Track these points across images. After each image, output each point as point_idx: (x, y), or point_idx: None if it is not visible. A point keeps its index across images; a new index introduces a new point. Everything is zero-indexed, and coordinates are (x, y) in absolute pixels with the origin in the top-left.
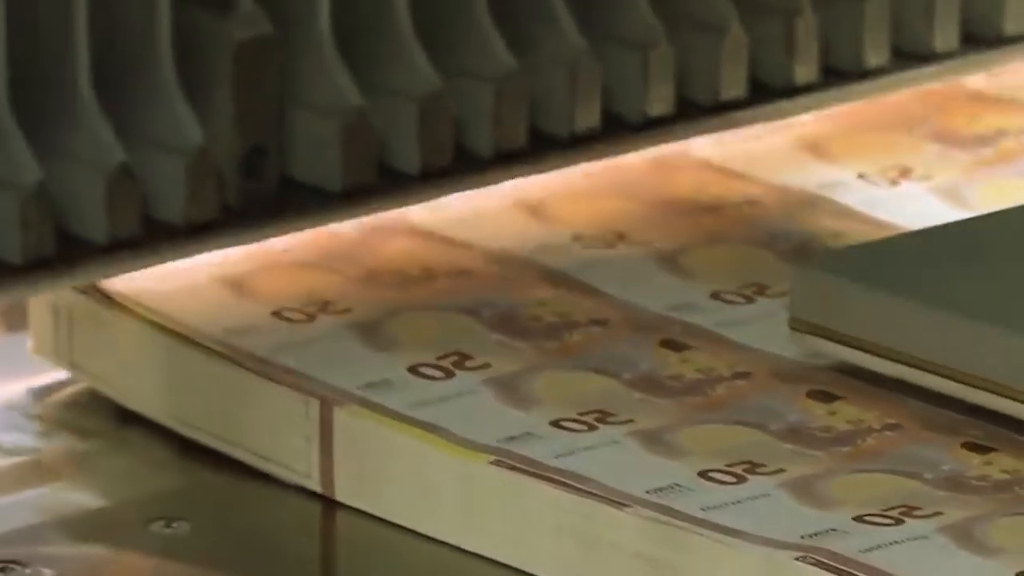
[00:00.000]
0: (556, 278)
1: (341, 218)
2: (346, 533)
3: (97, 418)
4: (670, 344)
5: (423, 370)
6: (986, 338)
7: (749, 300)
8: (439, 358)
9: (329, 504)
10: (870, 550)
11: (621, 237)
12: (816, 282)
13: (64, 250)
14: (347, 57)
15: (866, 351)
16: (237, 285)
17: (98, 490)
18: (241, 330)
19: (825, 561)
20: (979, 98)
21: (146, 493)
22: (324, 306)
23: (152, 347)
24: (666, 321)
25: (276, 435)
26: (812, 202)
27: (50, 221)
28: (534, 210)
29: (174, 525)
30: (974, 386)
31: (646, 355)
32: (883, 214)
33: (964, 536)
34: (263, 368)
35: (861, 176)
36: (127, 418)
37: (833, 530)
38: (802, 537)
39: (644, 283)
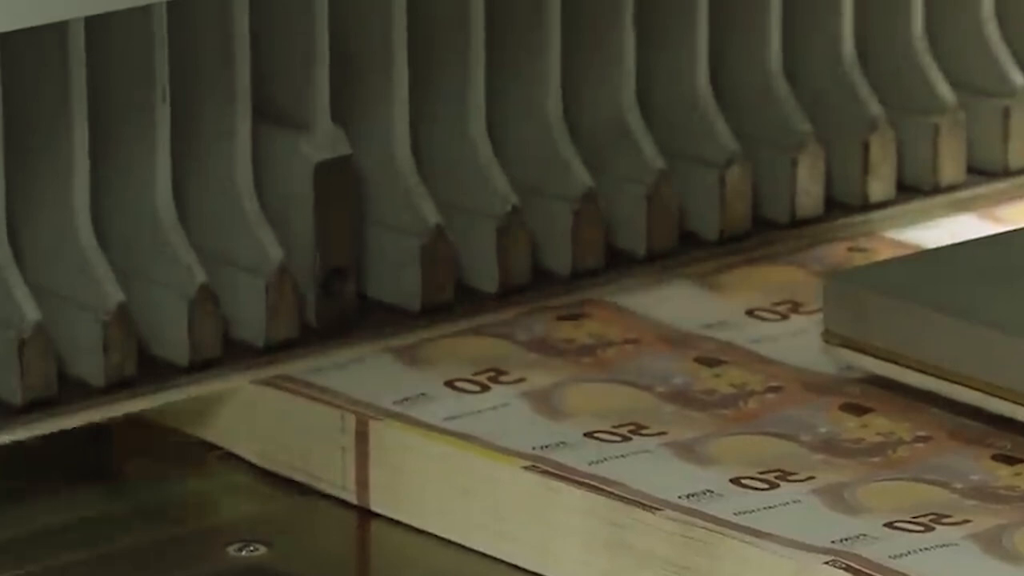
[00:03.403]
0: (592, 303)
1: (419, 338)
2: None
3: (175, 443)
4: (703, 360)
5: (459, 384)
6: (1017, 351)
7: (783, 317)
8: (475, 373)
9: (364, 514)
10: (899, 556)
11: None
12: (848, 294)
13: (146, 371)
14: (425, 177)
15: (897, 363)
16: None
17: (176, 514)
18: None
19: (854, 566)
20: None
21: (224, 518)
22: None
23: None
24: (700, 338)
25: (313, 448)
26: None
27: (132, 343)
28: None
29: (251, 548)
30: (1004, 398)
31: (679, 369)
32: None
33: (992, 544)
34: (301, 388)
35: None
36: (204, 443)
37: (863, 536)
38: (832, 542)
39: (679, 302)
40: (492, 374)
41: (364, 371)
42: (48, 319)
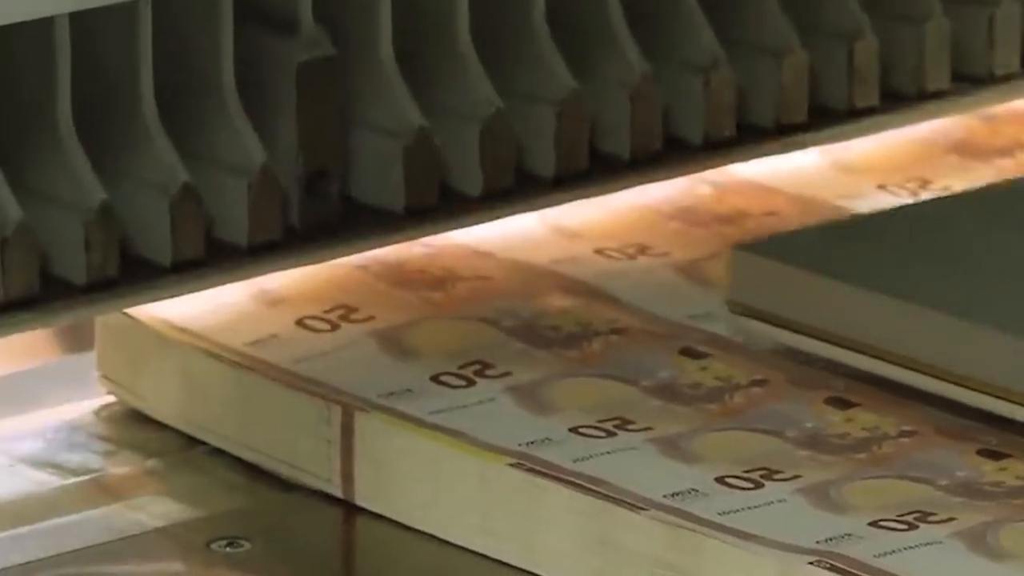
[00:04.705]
0: (577, 288)
1: (403, 239)
2: (367, 538)
3: (161, 438)
4: (689, 352)
5: (445, 379)
6: (922, 320)
7: None
8: (461, 367)
9: (349, 509)
10: (884, 555)
11: (642, 250)
12: (753, 265)
13: (128, 271)
14: (408, 78)
15: (803, 333)
16: (261, 295)
17: (162, 510)
18: (267, 340)
19: (839, 566)
20: None
21: (210, 513)
22: (347, 315)
23: (175, 357)
24: (685, 330)
25: (298, 440)
26: (833, 214)
27: (114, 242)
28: (556, 222)
29: (237, 544)
30: (909, 368)
31: (665, 363)
32: None
33: (978, 541)
34: (286, 378)
35: (881, 187)
36: (190, 438)
37: (848, 535)
38: (817, 542)
39: (663, 292)
40: (478, 367)
41: (350, 361)
42: (30, 218)
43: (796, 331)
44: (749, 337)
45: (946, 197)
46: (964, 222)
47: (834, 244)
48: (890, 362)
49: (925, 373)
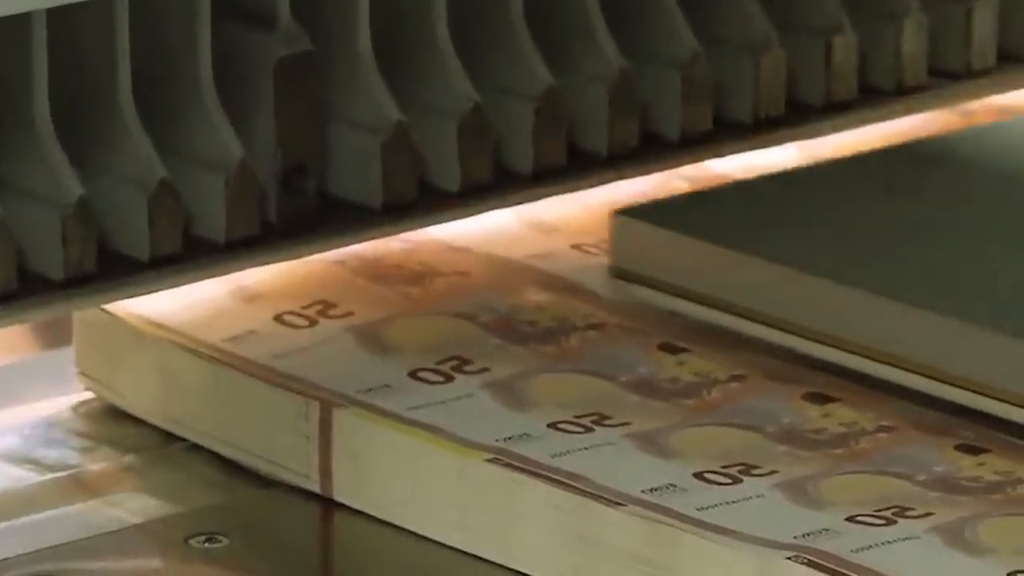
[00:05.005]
0: (554, 283)
1: (381, 234)
2: (345, 534)
3: (139, 434)
4: (667, 347)
5: (422, 374)
6: (798, 283)
7: None
8: (439, 363)
9: (327, 504)
10: (862, 550)
11: None
12: (634, 229)
13: (105, 266)
14: (386, 74)
15: (685, 298)
16: (239, 291)
17: (140, 505)
18: (245, 336)
19: (817, 561)
20: None
21: (188, 509)
22: (325, 310)
23: (153, 353)
24: (663, 324)
25: (276, 436)
26: None
27: (92, 238)
28: (534, 217)
29: (215, 540)
30: (786, 331)
31: (643, 358)
32: None
33: (955, 536)
34: (264, 373)
35: None
36: (169, 434)
37: (825, 530)
38: (795, 537)
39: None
40: (456, 363)
41: (328, 357)
42: (7, 213)
43: (677, 295)
44: (631, 301)
45: (826, 162)
46: (843, 187)
47: (714, 209)
48: (771, 326)
49: (806, 337)
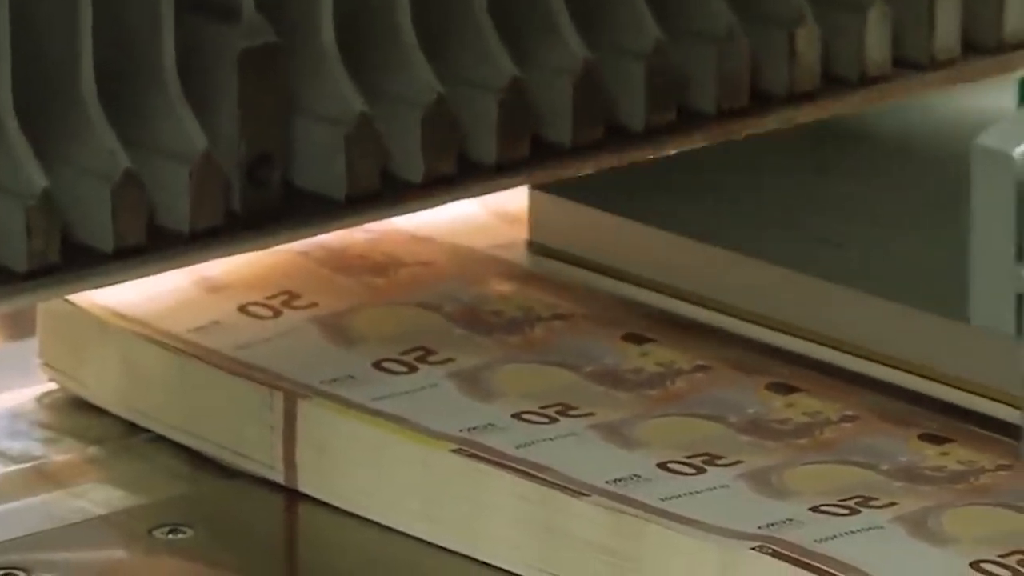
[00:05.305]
0: (519, 273)
1: (344, 226)
2: (309, 524)
3: (103, 425)
4: (631, 338)
5: (387, 365)
6: (712, 259)
7: None
8: (403, 353)
9: (292, 495)
10: (825, 540)
11: None
12: (551, 205)
13: (69, 258)
14: (350, 65)
15: (601, 272)
16: (203, 281)
17: (104, 497)
18: (209, 326)
19: (780, 551)
20: None
21: (152, 500)
22: (290, 301)
23: (116, 344)
24: (627, 315)
25: (240, 427)
26: None
27: (56, 229)
28: (498, 208)
29: (179, 531)
30: (702, 305)
31: (607, 349)
32: None
33: (919, 526)
34: (228, 364)
35: None
36: (133, 425)
37: (789, 520)
38: (759, 527)
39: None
40: (420, 353)
41: (292, 347)
42: None
43: (594, 270)
44: (549, 276)
45: (745, 139)
46: (763, 164)
47: (630, 184)
48: (685, 300)
49: (719, 311)
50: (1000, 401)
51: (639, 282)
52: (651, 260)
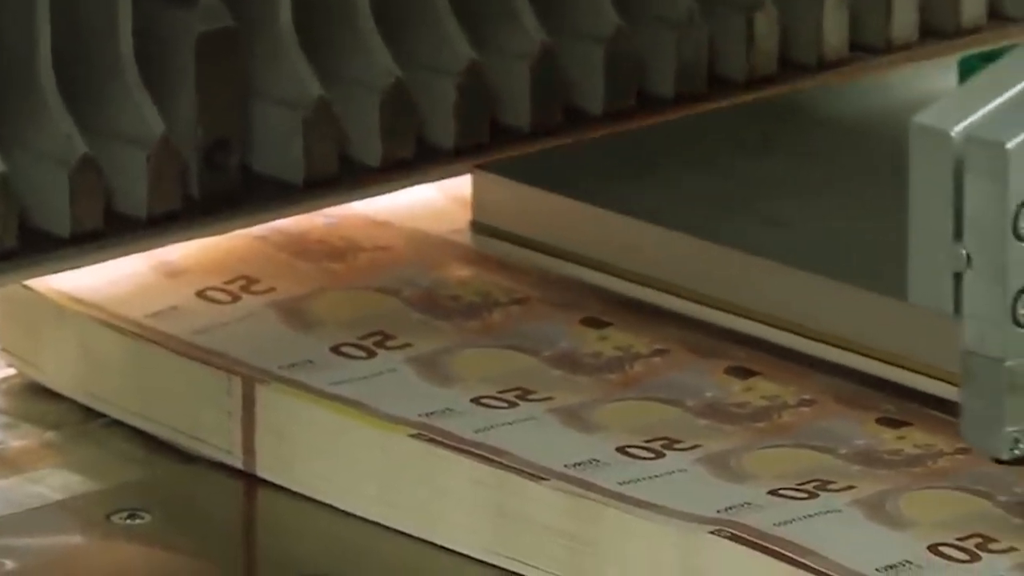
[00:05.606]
0: (477, 258)
1: (303, 210)
2: (267, 509)
3: (60, 410)
4: (590, 322)
5: (345, 350)
6: (653, 238)
7: None
8: (361, 338)
9: (250, 480)
10: (784, 523)
11: None
12: (493, 185)
13: (27, 243)
14: (308, 49)
15: (543, 252)
16: (161, 266)
17: (61, 482)
18: (166, 311)
19: (739, 534)
20: None
21: (110, 485)
22: (248, 286)
23: (74, 328)
24: (586, 299)
25: (198, 412)
26: None
27: (13, 214)
28: (456, 192)
29: (137, 516)
30: (639, 283)
31: (566, 333)
32: None
33: (876, 509)
34: (186, 349)
35: None
36: (91, 410)
37: (747, 504)
38: (717, 511)
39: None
40: (378, 338)
41: (250, 332)
42: None
43: (536, 250)
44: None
45: (696, 119)
46: (704, 145)
47: (571, 164)
48: (633, 281)
49: (666, 291)
50: (953, 383)
51: (582, 261)
52: (594, 240)
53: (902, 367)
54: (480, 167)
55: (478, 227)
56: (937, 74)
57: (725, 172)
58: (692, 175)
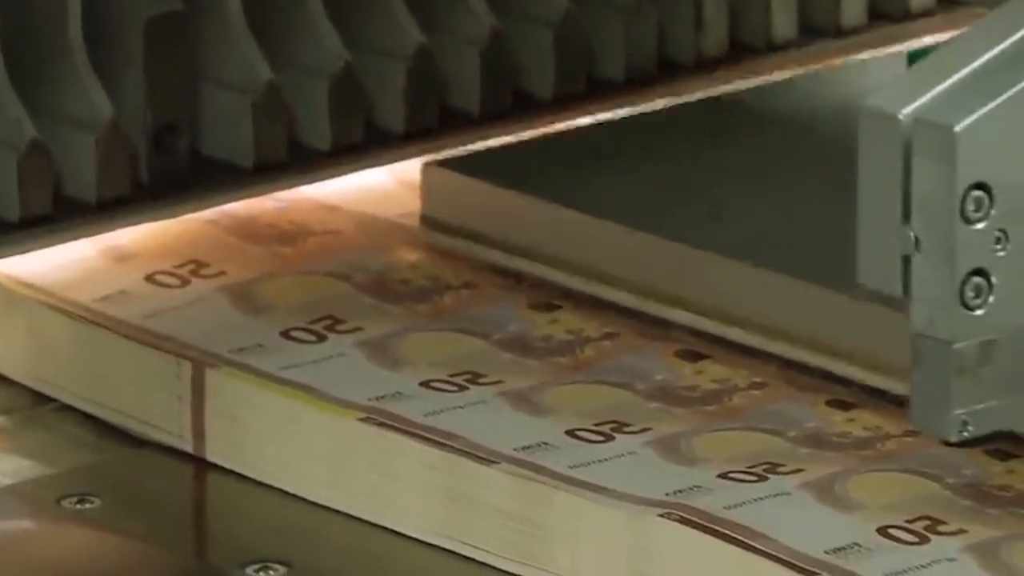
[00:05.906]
0: (427, 242)
1: (252, 194)
2: (217, 493)
3: (10, 395)
4: (539, 306)
5: (295, 334)
6: (601, 232)
7: None
8: (311, 322)
9: (201, 464)
10: (733, 507)
11: None
12: (444, 180)
13: None
14: (257, 33)
15: (493, 247)
16: (110, 250)
17: (11, 467)
18: (116, 296)
19: (689, 517)
20: None
21: (60, 469)
22: (198, 270)
23: (22, 313)
24: (536, 282)
25: (148, 396)
26: None
27: None
28: (406, 176)
29: (87, 501)
30: (587, 277)
31: (515, 316)
32: None
33: (826, 492)
34: (135, 333)
35: None
36: (40, 395)
37: (697, 487)
38: (667, 494)
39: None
40: (328, 322)
41: (200, 316)
42: None
43: (486, 244)
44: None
45: (638, 111)
46: (649, 137)
47: (522, 159)
48: (581, 275)
49: (613, 285)
50: (895, 376)
51: (533, 256)
52: (546, 235)
53: (846, 361)
54: (430, 164)
55: (428, 222)
56: (887, 67)
57: (673, 166)
58: (640, 169)
